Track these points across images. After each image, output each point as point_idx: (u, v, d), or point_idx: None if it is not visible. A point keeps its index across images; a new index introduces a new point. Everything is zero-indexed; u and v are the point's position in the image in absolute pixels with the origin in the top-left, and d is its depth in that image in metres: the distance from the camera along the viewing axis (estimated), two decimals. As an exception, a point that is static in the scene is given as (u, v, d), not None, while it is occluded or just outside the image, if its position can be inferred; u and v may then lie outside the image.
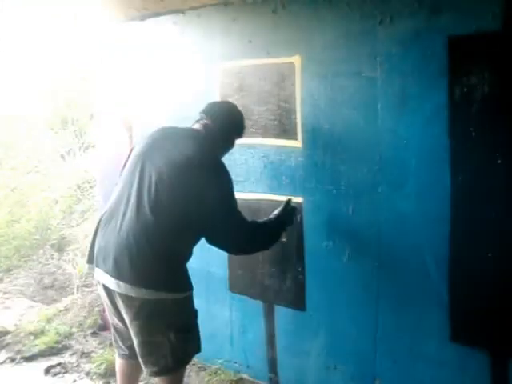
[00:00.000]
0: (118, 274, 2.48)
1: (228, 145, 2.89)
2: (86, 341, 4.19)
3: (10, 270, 5.86)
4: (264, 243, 2.84)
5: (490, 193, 2.47)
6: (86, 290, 5.08)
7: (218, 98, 3.31)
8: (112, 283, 2.51)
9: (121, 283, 2.47)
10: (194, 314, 2.71)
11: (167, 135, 2.73)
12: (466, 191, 2.53)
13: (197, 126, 2.78)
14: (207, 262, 3.39)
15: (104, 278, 2.55)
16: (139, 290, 2.45)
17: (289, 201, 2.96)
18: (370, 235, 2.86)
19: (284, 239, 3.04)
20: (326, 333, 3.12)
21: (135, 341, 2.60)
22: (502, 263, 2.48)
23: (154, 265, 2.47)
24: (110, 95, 4.07)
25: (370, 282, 2.89)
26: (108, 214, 2.62)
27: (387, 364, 2.90)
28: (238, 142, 3.00)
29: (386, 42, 2.67)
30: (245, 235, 2.68)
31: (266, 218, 2.85)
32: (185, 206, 2.49)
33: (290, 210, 2.94)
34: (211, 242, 2.66)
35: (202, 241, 2.67)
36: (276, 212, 2.89)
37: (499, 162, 2.41)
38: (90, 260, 2.67)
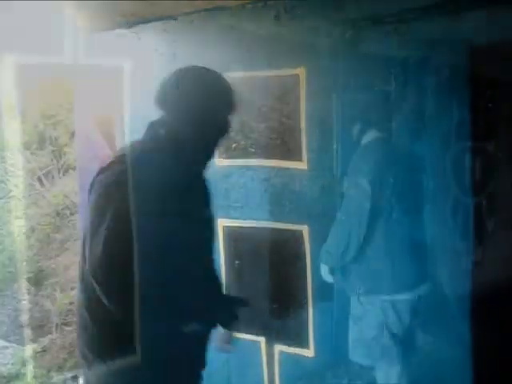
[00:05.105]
0: None
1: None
2: (66, 386, 4.19)
3: (-19, 307, 5.85)
4: None
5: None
6: (67, 328, 5.03)
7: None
8: None
9: None
10: None
11: None
12: (492, 218, 2.55)
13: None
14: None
15: None
16: None
17: None
18: (384, 267, 2.81)
19: None
20: (334, 377, 3.12)
21: None
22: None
23: None
24: (92, 110, 4.08)
25: (384, 319, 2.84)
26: None
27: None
28: (235, 163, 3.07)
29: (401, 51, 2.66)
30: None
31: None
32: None
33: None
34: None
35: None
36: None
37: (529, 184, 2.41)
38: None
